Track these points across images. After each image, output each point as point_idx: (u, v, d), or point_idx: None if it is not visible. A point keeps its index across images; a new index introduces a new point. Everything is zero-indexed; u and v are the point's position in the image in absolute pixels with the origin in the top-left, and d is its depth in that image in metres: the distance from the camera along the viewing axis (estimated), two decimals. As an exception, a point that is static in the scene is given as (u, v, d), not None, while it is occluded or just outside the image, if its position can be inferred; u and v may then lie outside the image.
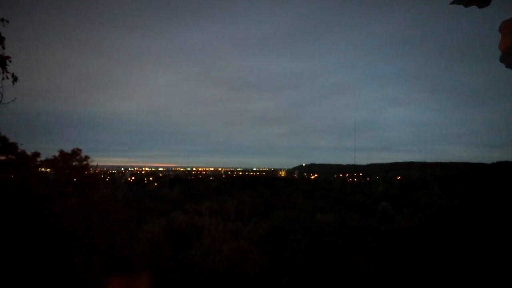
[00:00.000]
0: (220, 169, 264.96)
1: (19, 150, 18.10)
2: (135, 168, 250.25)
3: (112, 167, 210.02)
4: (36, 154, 20.17)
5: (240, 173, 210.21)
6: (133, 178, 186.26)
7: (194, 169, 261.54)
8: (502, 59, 1.74)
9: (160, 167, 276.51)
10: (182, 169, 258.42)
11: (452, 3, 1.67)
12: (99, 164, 24.74)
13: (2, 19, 5.86)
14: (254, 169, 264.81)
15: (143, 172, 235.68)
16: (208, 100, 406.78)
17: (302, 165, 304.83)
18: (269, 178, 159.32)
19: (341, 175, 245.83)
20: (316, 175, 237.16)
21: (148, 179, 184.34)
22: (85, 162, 23.88)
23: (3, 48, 6.01)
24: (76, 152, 23.82)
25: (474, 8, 1.73)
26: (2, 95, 6.17)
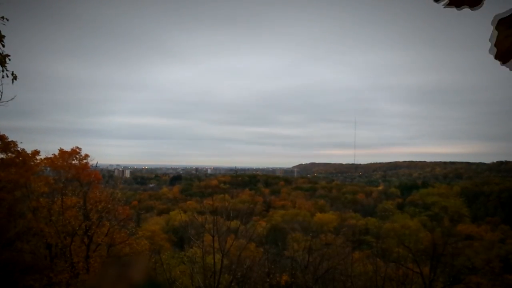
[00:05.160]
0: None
1: (18, 148, 18.05)
2: (134, 167, 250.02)
3: (112, 165, 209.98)
4: (36, 152, 20.12)
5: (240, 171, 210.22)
6: (133, 176, 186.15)
7: (194, 167, 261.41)
8: (491, 51, 1.77)
9: (160, 165, 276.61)
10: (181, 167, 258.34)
11: (445, 6, 1.69)
12: (99, 162, 24.72)
13: (2, 17, 5.81)
14: (254, 167, 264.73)
15: (142, 170, 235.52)
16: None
17: (302, 163, 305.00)
18: (269, 176, 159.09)
19: (339, 174, 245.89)
20: (315, 174, 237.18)
21: (148, 178, 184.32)
22: (84, 161, 23.87)
23: (3, 46, 5.96)
24: (75, 151, 23.80)
25: (466, 9, 1.75)
26: (1, 93, 6.14)
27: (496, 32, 1.71)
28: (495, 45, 1.72)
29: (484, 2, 1.69)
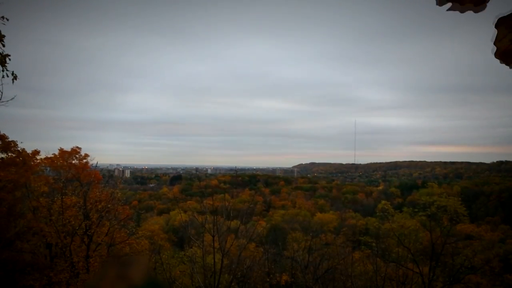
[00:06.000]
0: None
1: (18, 148, 18.04)
2: (135, 167, 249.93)
3: (112, 165, 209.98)
4: (36, 152, 20.13)
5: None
6: (133, 176, 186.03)
7: (194, 167, 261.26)
8: (495, 54, 1.75)
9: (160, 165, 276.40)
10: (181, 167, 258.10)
11: (448, 9, 1.68)
12: (99, 162, 24.74)
13: (2, 17, 5.81)
14: (254, 167, 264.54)
15: (142, 170, 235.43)
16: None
17: (302, 163, 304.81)
18: (269, 176, 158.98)
19: (340, 174, 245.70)
20: (315, 174, 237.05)
21: (148, 178, 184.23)
22: (84, 160, 23.90)
23: (3, 46, 5.96)
24: (75, 150, 23.83)
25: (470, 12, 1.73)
26: (1, 93, 6.14)
27: (496, 31, 1.70)
28: (495, 44, 1.72)
29: (487, 5, 1.68)
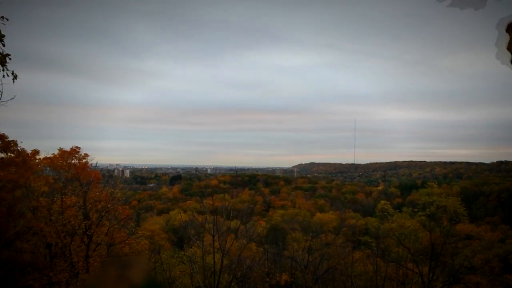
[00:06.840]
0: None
1: (18, 148, 18.01)
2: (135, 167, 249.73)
3: (112, 165, 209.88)
4: (36, 152, 20.11)
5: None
6: (133, 176, 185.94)
7: (194, 167, 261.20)
8: (499, 56, 1.72)
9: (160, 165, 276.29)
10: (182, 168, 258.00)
11: (449, 6, 1.65)
12: (99, 162, 24.72)
13: (2, 17, 5.80)
14: (254, 167, 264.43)
15: (142, 170, 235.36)
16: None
17: (302, 163, 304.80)
18: (268, 176, 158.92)
19: (339, 174, 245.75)
20: (315, 174, 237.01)
21: (148, 177, 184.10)
22: (84, 160, 23.88)
23: (3, 45, 5.96)
24: (75, 150, 23.81)
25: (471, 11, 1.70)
26: (1, 93, 6.13)
27: (508, 35, 1.65)
28: (509, 49, 1.67)
29: (487, 3, 1.65)
